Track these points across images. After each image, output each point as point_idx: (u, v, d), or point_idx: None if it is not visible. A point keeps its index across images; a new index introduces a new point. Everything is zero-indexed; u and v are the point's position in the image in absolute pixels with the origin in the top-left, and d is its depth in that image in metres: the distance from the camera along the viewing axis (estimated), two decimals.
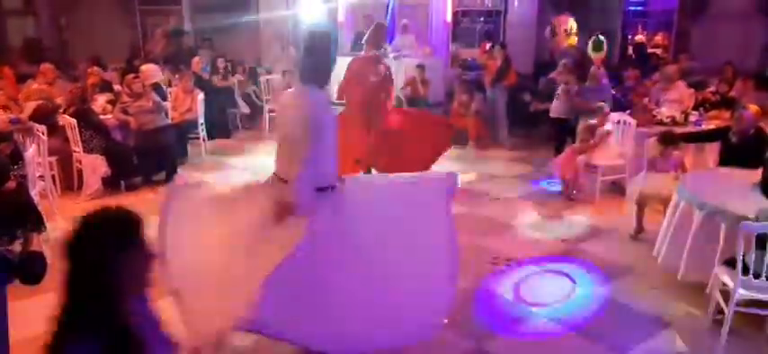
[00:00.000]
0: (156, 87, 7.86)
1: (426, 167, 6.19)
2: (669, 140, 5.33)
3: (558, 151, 7.76)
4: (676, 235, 4.30)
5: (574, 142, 7.21)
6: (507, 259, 4.93)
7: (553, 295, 4.35)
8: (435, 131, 6.60)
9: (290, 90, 3.51)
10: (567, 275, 4.66)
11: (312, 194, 3.14)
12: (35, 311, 3.96)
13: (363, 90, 6.05)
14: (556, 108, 8.03)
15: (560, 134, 8.14)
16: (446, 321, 3.38)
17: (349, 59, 6.51)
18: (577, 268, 4.81)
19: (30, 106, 6.86)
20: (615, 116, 6.79)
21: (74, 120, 6.44)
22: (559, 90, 8.01)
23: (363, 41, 6.15)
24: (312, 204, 3.12)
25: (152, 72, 7.98)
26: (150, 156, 7.02)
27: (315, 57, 3.27)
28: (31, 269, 2.33)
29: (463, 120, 9.13)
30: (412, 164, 5.96)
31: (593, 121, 6.63)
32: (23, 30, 12.00)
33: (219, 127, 9.43)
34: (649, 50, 12.36)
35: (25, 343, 3.64)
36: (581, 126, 6.92)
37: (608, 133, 6.50)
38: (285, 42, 11.38)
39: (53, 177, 6.25)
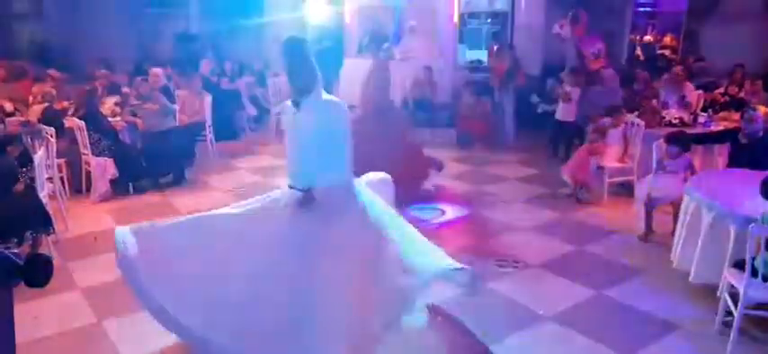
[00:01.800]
0: (165, 90, 7.90)
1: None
2: (678, 141, 5.29)
3: (567, 154, 7.76)
4: (687, 238, 4.28)
5: (580, 145, 7.22)
6: (514, 261, 4.91)
7: (560, 297, 4.32)
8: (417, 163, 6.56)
9: (312, 99, 3.33)
10: (574, 277, 4.63)
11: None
12: (41, 313, 4.00)
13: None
14: (561, 110, 8.10)
15: (566, 136, 8.15)
16: None
17: (355, 61, 6.57)
18: (585, 269, 4.78)
19: (34, 110, 6.90)
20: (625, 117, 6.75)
21: (82, 123, 6.48)
22: (560, 94, 8.11)
23: (364, 44, 6.24)
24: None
25: (160, 74, 8.03)
26: (158, 158, 7.05)
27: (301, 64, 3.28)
28: (37, 272, 2.33)
29: (470, 122, 9.12)
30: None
31: (605, 120, 6.61)
32: (32, 33, 12.08)
33: (227, 129, 9.47)
34: (658, 51, 12.29)
35: (31, 345, 3.68)
36: (591, 127, 6.89)
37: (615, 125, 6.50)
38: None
39: (62, 179, 6.29)
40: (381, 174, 3.89)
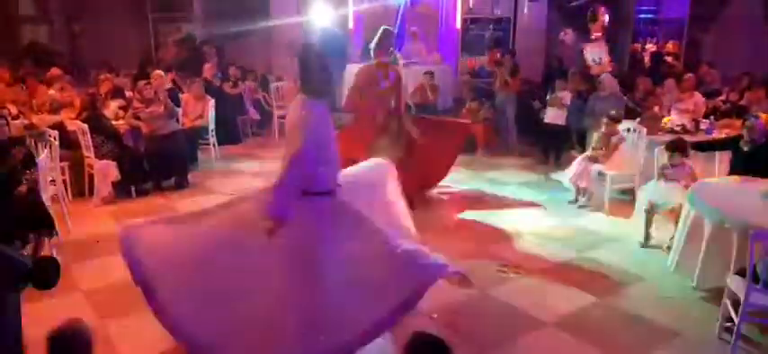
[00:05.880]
0: (173, 94, 7.93)
1: (446, 173, 6.80)
2: (679, 149, 5.30)
3: (557, 158, 7.84)
4: (688, 244, 4.28)
5: (572, 148, 7.29)
6: (515, 266, 4.92)
7: (561, 303, 4.32)
8: (452, 134, 6.86)
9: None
10: (575, 283, 4.64)
11: (294, 197, 3.13)
12: (42, 314, 4.00)
13: (375, 97, 5.93)
14: (549, 114, 8.12)
15: (557, 140, 8.19)
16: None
17: (357, 67, 6.52)
18: (585, 276, 4.79)
19: (44, 119, 6.91)
20: (626, 124, 6.76)
21: (85, 126, 6.51)
22: (550, 98, 8.14)
23: (371, 47, 6.09)
24: (299, 209, 3.13)
25: (162, 76, 8.09)
26: (161, 162, 7.07)
27: (309, 71, 3.25)
28: (46, 274, 2.36)
29: (472, 127, 9.13)
30: (435, 174, 6.52)
31: (605, 130, 6.62)
32: (37, 37, 12.14)
33: (230, 133, 9.49)
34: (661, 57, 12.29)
35: (33, 346, 3.68)
36: (595, 134, 6.89)
37: (621, 139, 6.49)
38: (296, 49, 11.45)
39: (65, 182, 6.31)
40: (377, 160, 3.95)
